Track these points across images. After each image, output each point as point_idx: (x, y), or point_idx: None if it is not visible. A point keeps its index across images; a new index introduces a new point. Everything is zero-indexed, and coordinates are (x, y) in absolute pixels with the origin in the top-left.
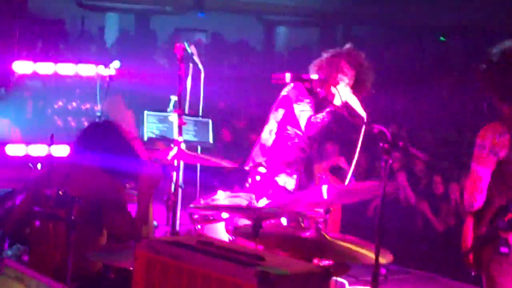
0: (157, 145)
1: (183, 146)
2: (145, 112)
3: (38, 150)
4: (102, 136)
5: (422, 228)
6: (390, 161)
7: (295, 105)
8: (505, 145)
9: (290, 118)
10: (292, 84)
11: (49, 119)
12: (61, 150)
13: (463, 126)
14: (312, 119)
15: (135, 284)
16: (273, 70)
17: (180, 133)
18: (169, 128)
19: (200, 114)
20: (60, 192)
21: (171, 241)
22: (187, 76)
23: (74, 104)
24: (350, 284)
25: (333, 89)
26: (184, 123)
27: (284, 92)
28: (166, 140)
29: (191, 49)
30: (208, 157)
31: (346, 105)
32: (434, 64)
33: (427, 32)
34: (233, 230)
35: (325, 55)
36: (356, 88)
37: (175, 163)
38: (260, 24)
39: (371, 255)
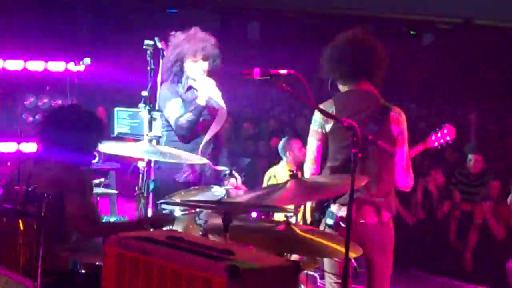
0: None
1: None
2: (116, 108)
3: (8, 147)
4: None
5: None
6: (360, 155)
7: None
8: None
9: None
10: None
11: (19, 116)
12: (31, 147)
13: None
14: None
15: (105, 279)
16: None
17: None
18: (140, 124)
19: None
20: (29, 189)
21: (141, 236)
22: (157, 71)
23: (45, 100)
24: (321, 278)
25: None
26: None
27: None
28: (136, 136)
29: (161, 45)
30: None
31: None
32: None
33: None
34: (204, 224)
35: None
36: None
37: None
38: None
39: (341, 249)
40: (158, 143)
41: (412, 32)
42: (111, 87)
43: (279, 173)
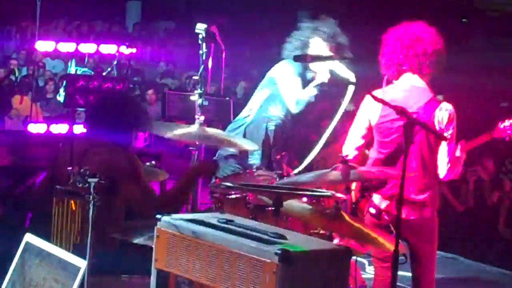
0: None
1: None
2: (166, 91)
3: (60, 128)
4: (118, 108)
5: (442, 209)
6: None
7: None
8: None
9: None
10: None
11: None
12: (83, 128)
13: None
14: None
15: (156, 261)
16: None
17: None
18: (190, 106)
19: (222, 93)
20: (81, 170)
21: (192, 218)
22: (208, 56)
23: (95, 83)
24: (369, 264)
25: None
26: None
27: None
28: (187, 119)
29: (213, 29)
30: (229, 138)
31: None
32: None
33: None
34: (253, 208)
35: None
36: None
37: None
38: None
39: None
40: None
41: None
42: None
43: None
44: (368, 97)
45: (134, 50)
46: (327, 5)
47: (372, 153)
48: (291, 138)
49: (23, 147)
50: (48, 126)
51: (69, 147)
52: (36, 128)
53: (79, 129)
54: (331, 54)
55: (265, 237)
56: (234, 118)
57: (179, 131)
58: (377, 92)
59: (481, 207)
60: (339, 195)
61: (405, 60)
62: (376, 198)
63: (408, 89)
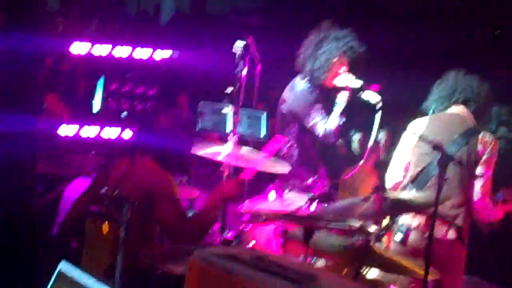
0: (209, 137)
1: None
2: (200, 102)
3: (90, 131)
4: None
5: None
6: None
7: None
8: None
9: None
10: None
11: (102, 100)
12: (112, 132)
13: None
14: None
15: None
16: None
17: (234, 132)
18: (222, 120)
19: (254, 106)
20: (115, 192)
21: (226, 254)
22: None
23: (127, 87)
24: None
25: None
26: (238, 120)
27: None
28: (219, 133)
29: (248, 41)
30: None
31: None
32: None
33: None
34: (283, 233)
35: None
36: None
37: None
38: None
39: (420, 271)
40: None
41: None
42: (196, 78)
43: None
44: (410, 127)
45: (169, 53)
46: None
47: (410, 171)
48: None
49: (54, 153)
50: (80, 128)
51: (104, 168)
52: (67, 130)
53: (109, 132)
54: (350, 73)
55: (296, 277)
56: (267, 131)
57: (211, 150)
58: (422, 119)
59: (508, 229)
60: (368, 227)
61: (451, 92)
62: (406, 217)
63: (452, 116)
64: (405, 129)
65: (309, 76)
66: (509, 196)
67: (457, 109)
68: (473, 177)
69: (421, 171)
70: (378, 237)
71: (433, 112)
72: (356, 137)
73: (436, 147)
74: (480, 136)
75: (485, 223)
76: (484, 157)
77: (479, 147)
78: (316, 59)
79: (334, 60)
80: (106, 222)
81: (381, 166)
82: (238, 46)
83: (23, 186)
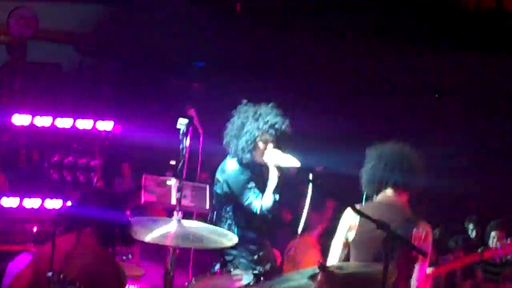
0: (154, 209)
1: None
2: (144, 175)
3: (32, 203)
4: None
5: None
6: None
7: None
8: None
9: None
10: None
11: (45, 171)
12: (55, 204)
13: None
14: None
15: None
16: None
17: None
18: (167, 192)
19: (198, 177)
20: (61, 277)
21: None
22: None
23: (70, 158)
24: None
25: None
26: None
27: None
28: (164, 205)
29: (191, 113)
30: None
31: None
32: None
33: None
34: None
35: None
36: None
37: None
38: None
39: None
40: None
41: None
42: (139, 149)
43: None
44: (348, 211)
45: (111, 125)
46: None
47: None
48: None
49: None
50: (21, 200)
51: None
52: (9, 201)
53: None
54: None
55: None
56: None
57: (157, 233)
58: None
59: None
60: None
61: (389, 176)
62: None
63: (387, 204)
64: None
65: (236, 157)
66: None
67: (387, 194)
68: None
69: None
70: None
71: (365, 199)
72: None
73: (381, 226)
74: (413, 232)
75: None
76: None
77: (420, 240)
78: (239, 139)
79: (257, 139)
80: None
81: (325, 238)
82: (182, 123)
83: None
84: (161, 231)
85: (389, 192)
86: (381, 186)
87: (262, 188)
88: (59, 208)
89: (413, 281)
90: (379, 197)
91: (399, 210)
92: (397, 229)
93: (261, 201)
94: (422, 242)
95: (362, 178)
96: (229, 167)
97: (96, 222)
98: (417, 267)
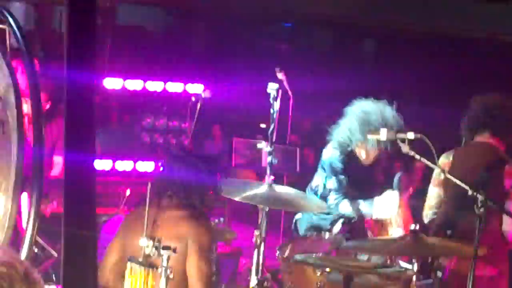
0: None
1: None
2: (234, 139)
3: (125, 165)
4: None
5: None
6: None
7: None
8: None
9: None
10: None
11: (136, 134)
12: (147, 166)
13: None
14: None
15: None
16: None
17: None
18: (258, 156)
19: (288, 142)
20: (155, 241)
21: None
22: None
23: (162, 121)
24: None
25: None
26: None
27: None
28: (254, 168)
29: (281, 76)
30: (299, 200)
31: None
32: None
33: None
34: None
35: None
36: None
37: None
38: None
39: None
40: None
41: None
42: (229, 112)
43: None
44: (440, 162)
45: (201, 88)
46: None
47: (442, 208)
48: None
49: None
50: (114, 162)
51: (137, 211)
52: (101, 164)
53: (143, 166)
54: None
55: None
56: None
57: (248, 194)
58: (448, 153)
59: None
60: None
61: (477, 120)
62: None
63: (479, 146)
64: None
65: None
66: None
67: (482, 138)
68: (502, 212)
69: (454, 211)
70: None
71: (464, 143)
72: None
73: (474, 190)
74: (506, 168)
75: None
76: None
77: (506, 182)
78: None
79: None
80: (146, 271)
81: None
82: (272, 88)
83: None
84: (253, 193)
85: (486, 135)
86: (477, 130)
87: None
88: (151, 171)
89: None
90: (476, 138)
91: (493, 150)
92: (489, 166)
93: (338, 202)
94: None
95: (462, 124)
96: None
97: (185, 184)
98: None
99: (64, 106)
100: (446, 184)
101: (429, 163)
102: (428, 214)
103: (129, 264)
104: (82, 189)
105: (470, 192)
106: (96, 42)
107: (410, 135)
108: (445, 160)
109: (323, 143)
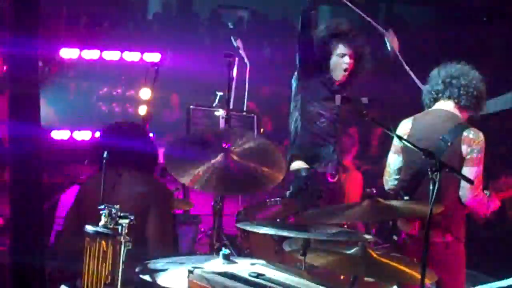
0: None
1: None
2: (191, 106)
3: (82, 135)
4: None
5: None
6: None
7: None
8: None
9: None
10: None
11: (93, 105)
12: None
13: None
14: None
15: None
16: None
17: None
18: (215, 123)
19: (245, 109)
20: (114, 210)
21: (224, 272)
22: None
23: (119, 90)
24: None
25: None
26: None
27: None
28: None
29: (237, 43)
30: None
31: None
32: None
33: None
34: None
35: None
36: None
37: None
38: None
39: (417, 275)
40: None
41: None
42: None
43: None
44: (398, 129)
45: (159, 57)
46: None
47: (401, 175)
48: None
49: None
50: (72, 132)
51: (95, 181)
52: (59, 134)
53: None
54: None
55: None
56: (258, 134)
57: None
58: (407, 120)
59: (502, 220)
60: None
61: (447, 88)
62: (399, 222)
63: (438, 113)
64: (395, 129)
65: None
66: (499, 186)
67: (444, 105)
68: (459, 177)
69: (411, 177)
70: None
71: (424, 109)
72: None
73: (427, 155)
74: (463, 135)
75: (484, 217)
76: (468, 157)
77: (463, 148)
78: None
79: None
80: (104, 240)
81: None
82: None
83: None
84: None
85: (449, 103)
86: (437, 96)
87: None
88: (88, 140)
89: (466, 193)
90: (437, 105)
91: (453, 117)
92: (447, 133)
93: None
94: (472, 144)
95: (424, 92)
96: None
97: (124, 151)
98: (468, 170)
99: (7, 75)
100: (404, 150)
101: (385, 130)
102: (388, 180)
103: (86, 232)
104: (28, 160)
105: (423, 156)
106: (39, 10)
107: (364, 100)
108: (404, 126)
109: (281, 109)
